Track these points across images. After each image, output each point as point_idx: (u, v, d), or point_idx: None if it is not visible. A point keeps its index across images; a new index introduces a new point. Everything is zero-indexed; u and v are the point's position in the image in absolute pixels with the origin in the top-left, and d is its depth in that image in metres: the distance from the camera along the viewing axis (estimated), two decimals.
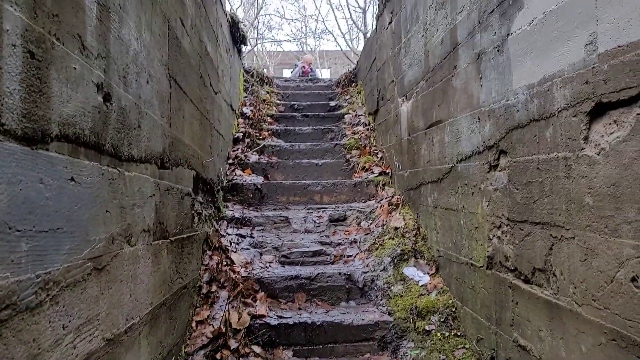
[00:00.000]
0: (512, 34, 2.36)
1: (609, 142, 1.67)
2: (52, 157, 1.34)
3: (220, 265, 3.67)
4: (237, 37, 6.21)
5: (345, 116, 6.89)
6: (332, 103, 7.64)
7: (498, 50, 2.51)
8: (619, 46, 1.61)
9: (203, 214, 3.79)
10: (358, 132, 6.25)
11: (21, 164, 1.18)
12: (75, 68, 1.47)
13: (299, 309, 3.53)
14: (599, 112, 1.74)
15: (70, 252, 1.45)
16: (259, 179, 5.35)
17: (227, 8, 7.86)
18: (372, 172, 5.39)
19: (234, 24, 5.90)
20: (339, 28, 31.16)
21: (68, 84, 1.43)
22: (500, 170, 2.54)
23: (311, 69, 11.27)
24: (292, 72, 11.99)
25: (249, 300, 3.46)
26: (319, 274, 3.74)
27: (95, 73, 1.64)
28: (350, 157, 5.78)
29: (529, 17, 2.20)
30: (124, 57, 1.94)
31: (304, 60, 11.70)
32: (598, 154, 1.73)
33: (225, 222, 4.45)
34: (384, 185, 5.13)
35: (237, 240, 4.22)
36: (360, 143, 5.97)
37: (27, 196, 1.21)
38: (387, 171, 5.24)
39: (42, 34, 1.27)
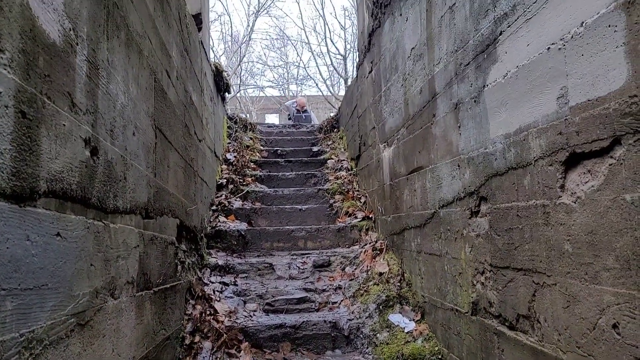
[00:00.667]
0: (487, 85, 2.46)
1: (585, 191, 1.74)
2: (40, 214, 1.35)
3: (203, 314, 3.61)
4: (221, 85, 6.31)
5: (328, 161, 6.98)
6: (315, 148, 7.74)
7: (475, 101, 2.60)
8: (589, 100, 1.70)
9: (186, 263, 3.76)
10: (341, 177, 6.31)
11: (9, 222, 1.19)
12: (64, 125, 1.50)
13: (284, 359, 3.47)
14: (574, 161, 1.81)
15: (54, 308, 1.44)
16: (242, 225, 5.34)
17: (211, 57, 8.02)
18: (356, 217, 5.43)
19: (218, 73, 6.01)
20: (321, 74, 31.82)
21: (57, 141, 1.45)
22: (481, 217, 2.59)
23: (305, 111, 11.42)
24: (289, 108, 12.15)
25: (232, 351, 3.40)
26: (304, 322, 3.70)
27: (84, 128, 1.67)
28: (334, 202, 5.82)
29: (503, 70, 2.30)
30: (112, 111, 1.97)
31: (297, 103, 11.83)
32: (575, 202, 1.79)
33: (208, 270, 4.41)
34: (367, 230, 5.15)
35: (221, 288, 4.17)
36: (344, 188, 6.03)
37: (13, 254, 1.21)
38: (370, 216, 5.28)
39: (34, 94, 1.30)
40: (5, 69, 1.17)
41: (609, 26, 1.60)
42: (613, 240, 1.59)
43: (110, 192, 1.93)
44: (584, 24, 1.72)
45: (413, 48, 3.66)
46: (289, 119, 12.12)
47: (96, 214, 1.79)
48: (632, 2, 1.50)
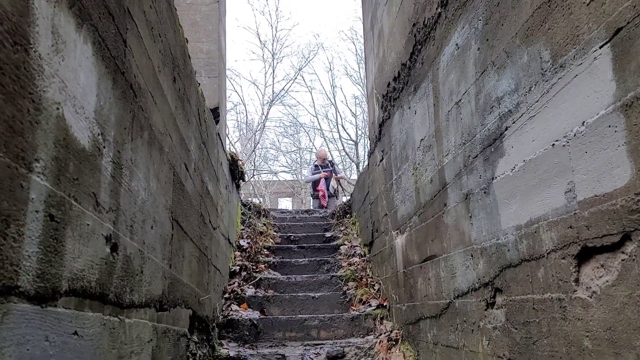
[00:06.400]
0: (496, 178, 2.52)
1: (599, 285, 1.73)
2: (60, 313, 1.37)
3: None
4: (236, 174, 6.48)
5: (341, 247, 6.96)
6: (328, 234, 7.75)
7: (485, 192, 2.65)
8: (596, 195, 1.74)
9: (198, 355, 3.68)
10: (354, 264, 6.27)
11: (31, 324, 1.22)
12: (88, 224, 1.56)
13: None
14: (587, 255, 1.82)
15: None
16: (255, 314, 5.26)
17: (227, 143, 8.30)
18: (370, 305, 5.33)
19: (233, 162, 6.20)
20: (333, 159, 32.44)
21: (81, 240, 1.51)
22: (497, 309, 2.55)
23: (326, 166, 10.36)
24: (307, 174, 11.02)
25: None
26: None
27: (106, 226, 1.73)
28: (347, 290, 5.75)
29: (511, 163, 2.37)
30: (132, 207, 2.05)
31: (317, 156, 10.97)
32: (590, 297, 1.78)
33: None
34: (382, 318, 5.04)
35: None
36: (357, 274, 5.97)
37: (32, 356, 1.22)
38: (384, 304, 5.19)
39: (62, 197, 1.38)
40: (38, 177, 1.25)
41: (609, 126, 1.67)
42: (632, 338, 1.56)
43: (127, 287, 1.96)
44: (585, 124, 1.80)
45: (422, 139, 3.78)
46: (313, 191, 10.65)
47: (112, 309, 1.81)
48: (629, 105, 1.58)
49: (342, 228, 7.74)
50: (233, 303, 5.33)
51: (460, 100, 2.98)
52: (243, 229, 7.32)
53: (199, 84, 4.09)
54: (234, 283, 5.72)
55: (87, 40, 1.58)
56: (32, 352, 1.22)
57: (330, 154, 11.32)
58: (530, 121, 2.19)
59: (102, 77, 1.71)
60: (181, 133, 3.08)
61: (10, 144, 1.13)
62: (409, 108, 4.14)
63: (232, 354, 4.45)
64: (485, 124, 2.63)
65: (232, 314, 5.11)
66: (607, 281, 1.69)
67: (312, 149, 26.31)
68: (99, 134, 1.67)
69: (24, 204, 1.18)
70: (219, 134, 5.18)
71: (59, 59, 1.37)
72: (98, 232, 1.65)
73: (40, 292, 1.26)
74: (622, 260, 1.62)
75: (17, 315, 1.15)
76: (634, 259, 1.56)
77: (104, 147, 1.72)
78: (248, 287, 5.71)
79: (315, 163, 10.81)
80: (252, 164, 20.67)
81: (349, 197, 9.02)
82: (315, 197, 10.60)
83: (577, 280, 1.86)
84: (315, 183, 10.50)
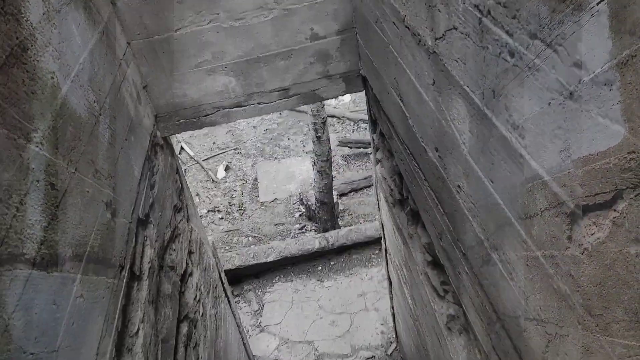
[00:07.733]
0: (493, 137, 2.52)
1: (591, 242, 1.77)
2: (65, 278, 1.42)
3: None
4: None
5: None
6: None
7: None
8: (590, 154, 1.76)
9: None
10: None
11: (38, 289, 1.26)
12: (88, 191, 1.59)
13: None
14: (579, 213, 1.85)
15: None
16: None
17: None
18: None
19: None
20: None
21: (81, 207, 1.53)
22: (493, 266, 2.61)
23: None
24: None
25: None
26: None
27: (105, 192, 1.76)
28: None
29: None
30: None
31: None
32: (582, 254, 1.82)
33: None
34: None
35: None
36: None
37: (40, 319, 1.27)
38: None
39: (62, 165, 1.40)
40: (37, 147, 1.26)
41: (605, 85, 1.67)
42: (621, 292, 1.61)
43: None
44: (581, 82, 1.80)
45: None
46: None
47: (116, 272, 1.85)
48: (624, 63, 1.58)
49: None
50: None
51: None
52: None
53: None
54: None
55: (79, 7, 1.56)
56: (40, 316, 1.27)
57: None
58: (528, 79, 2.18)
59: (95, 44, 1.70)
60: None
61: (7, 115, 1.14)
62: None
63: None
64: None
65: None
66: (598, 238, 1.74)
67: None
68: (94, 101, 1.68)
69: (25, 174, 1.20)
70: None
71: (51, 27, 1.36)
72: (98, 199, 1.68)
73: (45, 258, 1.30)
74: (614, 217, 1.66)
75: (23, 281, 1.19)
76: (624, 217, 1.60)
77: (100, 114, 1.73)
78: None
79: None
80: None
81: None
82: None
83: (569, 238, 1.90)
84: None
